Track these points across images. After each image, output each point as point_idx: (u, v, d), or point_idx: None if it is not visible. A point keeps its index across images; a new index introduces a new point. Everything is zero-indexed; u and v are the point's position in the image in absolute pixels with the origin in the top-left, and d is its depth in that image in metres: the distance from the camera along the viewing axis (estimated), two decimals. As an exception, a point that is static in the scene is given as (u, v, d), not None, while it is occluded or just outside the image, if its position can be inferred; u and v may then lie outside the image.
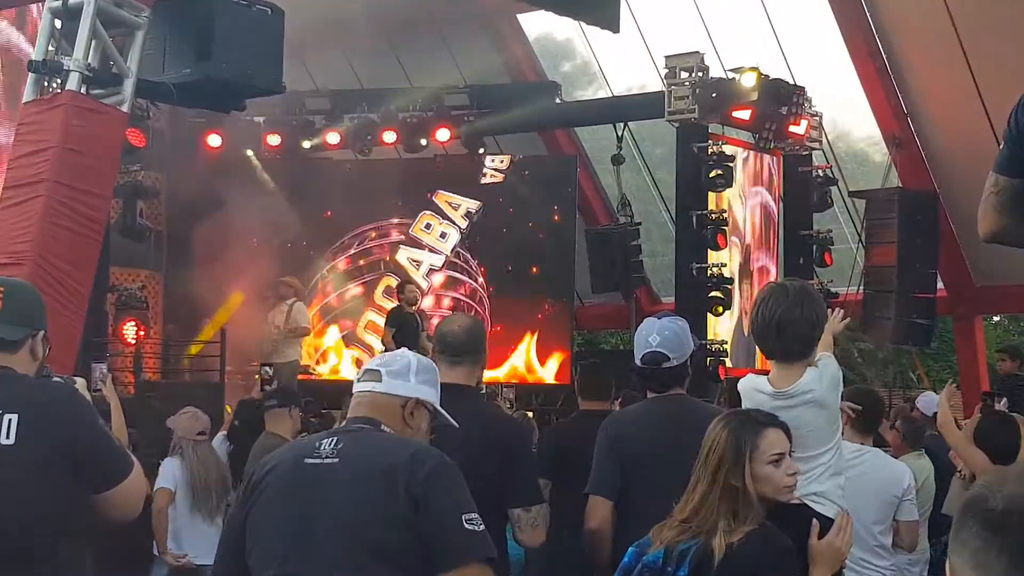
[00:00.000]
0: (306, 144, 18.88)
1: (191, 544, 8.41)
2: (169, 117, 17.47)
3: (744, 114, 16.29)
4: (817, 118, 17.29)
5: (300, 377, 16.26)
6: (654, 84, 17.95)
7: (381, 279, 19.16)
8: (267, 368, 10.38)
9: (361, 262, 19.26)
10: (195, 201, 17.50)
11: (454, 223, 18.91)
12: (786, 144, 17.15)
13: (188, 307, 17.48)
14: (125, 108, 10.53)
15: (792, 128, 16.74)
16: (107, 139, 10.44)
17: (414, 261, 19.05)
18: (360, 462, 3.56)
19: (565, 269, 18.29)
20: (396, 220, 19.17)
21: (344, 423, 3.79)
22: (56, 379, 4.03)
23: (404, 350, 3.90)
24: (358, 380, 3.81)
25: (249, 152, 18.85)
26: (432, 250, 19.01)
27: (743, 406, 4.54)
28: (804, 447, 4.35)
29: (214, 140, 18.42)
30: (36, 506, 3.70)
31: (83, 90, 10.23)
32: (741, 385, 4.58)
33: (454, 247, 18.91)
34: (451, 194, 18.89)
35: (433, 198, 18.94)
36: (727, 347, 15.78)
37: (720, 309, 15.67)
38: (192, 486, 8.37)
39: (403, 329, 15.33)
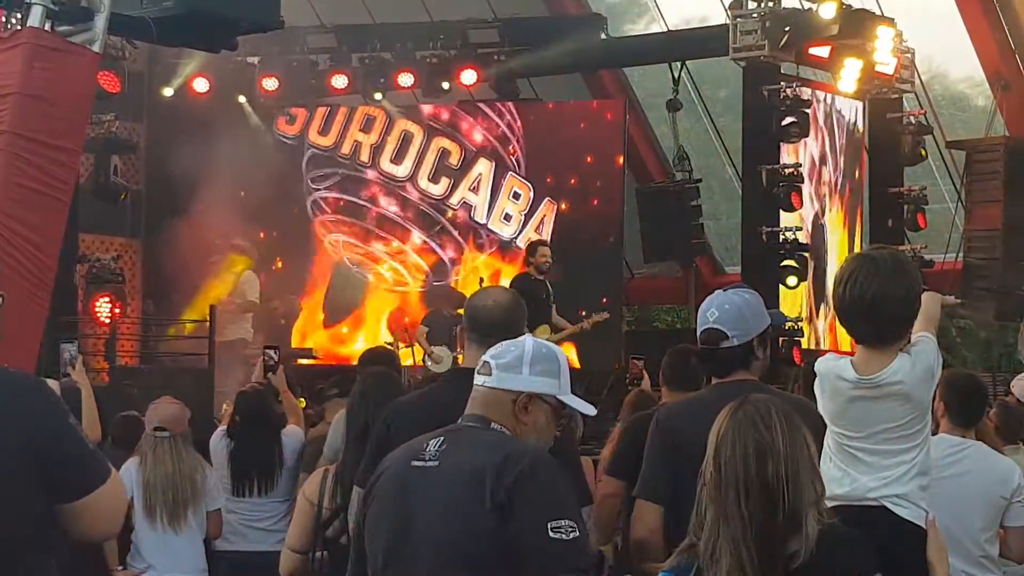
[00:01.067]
0: (307, 88, 18.88)
1: (152, 556, 8.48)
2: (148, 58, 17.49)
3: (822, 51, 16.21)
4: (909, 55, 17.16)
5: (299, 362, 16.26)
6: (716, 16, 17.88)
7: (442, 138, 18.56)
8: (271, 352, 10.39)
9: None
10: (178, 156, 17.51)
11: (525, 227, 18.09)
12: (872, 86, 17.05)
13: (170, 280, 17.51)
14: (97, 48, 10.54)
15: (879, 68, 16.63)
16: (76, 84, 10.45)
17: (480, 178, 18.53)
18: (455, 467, 3.89)
19: (612, 234, 18.20)
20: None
21: (460, 420, 4.06)
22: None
23: (525, 337, 4.10)
24: (477, 372, 4.07)
25: (242, 98, 18.86)
26: (494, 209, 18.42)
27: (818, 389, 4.55)
28: (884, 442, 4.34)
29: (201, 84, 18.40)
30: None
31: (48, 26, 10.25)
32: (820, 366, 4.58)
33: (502, 238, 18.26)
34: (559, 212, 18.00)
35: (548, 181, 18.21)
36: (803, 326, 15.75)
37: (793, 280, 15.63)
38: (144, 489, 8.42)
39: (529, 303, 15.01)
